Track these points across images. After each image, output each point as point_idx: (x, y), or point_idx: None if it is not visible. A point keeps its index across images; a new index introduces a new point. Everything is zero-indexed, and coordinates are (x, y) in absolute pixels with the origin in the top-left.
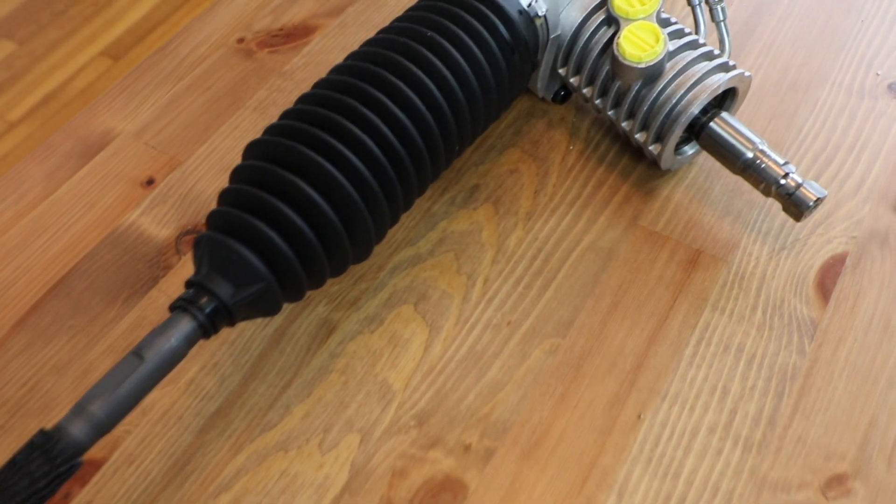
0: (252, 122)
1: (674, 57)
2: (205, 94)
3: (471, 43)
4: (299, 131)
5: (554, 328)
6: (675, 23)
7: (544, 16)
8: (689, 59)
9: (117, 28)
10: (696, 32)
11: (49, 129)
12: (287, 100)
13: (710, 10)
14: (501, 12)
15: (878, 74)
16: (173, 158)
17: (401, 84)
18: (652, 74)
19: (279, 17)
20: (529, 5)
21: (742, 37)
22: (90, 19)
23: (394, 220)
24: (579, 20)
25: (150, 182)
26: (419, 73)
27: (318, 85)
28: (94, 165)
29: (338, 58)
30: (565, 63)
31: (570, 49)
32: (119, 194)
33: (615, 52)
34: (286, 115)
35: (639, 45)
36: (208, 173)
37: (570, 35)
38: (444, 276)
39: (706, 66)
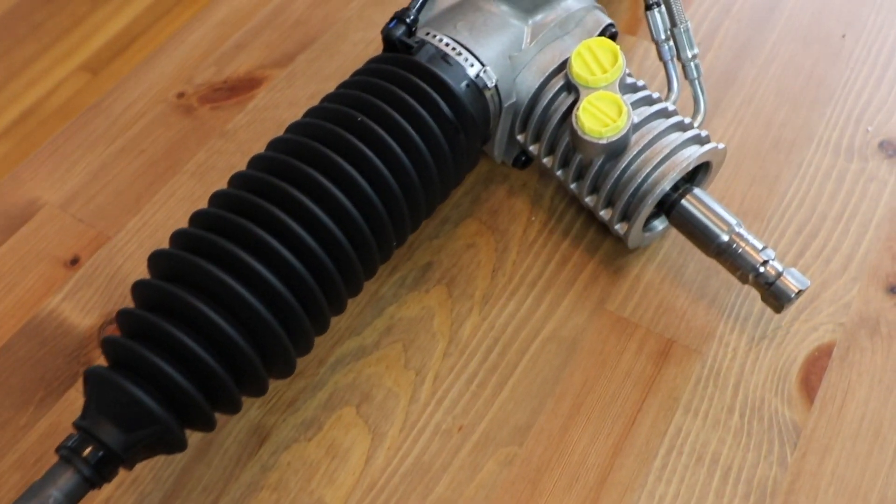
0: (189, 190)
1: (640, 128)
2: (139, 158)
3: (408, 128)
4: (205, 242)
5: (510, 434)
6: (643, 87)
7: (495, 85)
8: (658, 130)
9: (96, 40)
10: (668, 91)
11: (25, 148)
12: (228, 163)
13: (683, 68)
14: (445, 89)
15: (868, 130)
16: (101, 234)
17: (324, 181)
18: (615, 150)
19: (223, 67)
20: (478, 76)
21: (721, 86)
22: (69, 31)
23: (319, 328)
24: (536, 85)
25: (74, 261)
26: (347, 167)
27: (234, 181)
28: (15, 242)
29: (284, 114)
30: (523, 129)
31: (528, 116)
32: (41, 276)
33: (574, 125)
34: (194, 218)
35: (599, 118)
36: (138, 251)
37: (526, 101)
38: (390, 371)
39: (677, 138)
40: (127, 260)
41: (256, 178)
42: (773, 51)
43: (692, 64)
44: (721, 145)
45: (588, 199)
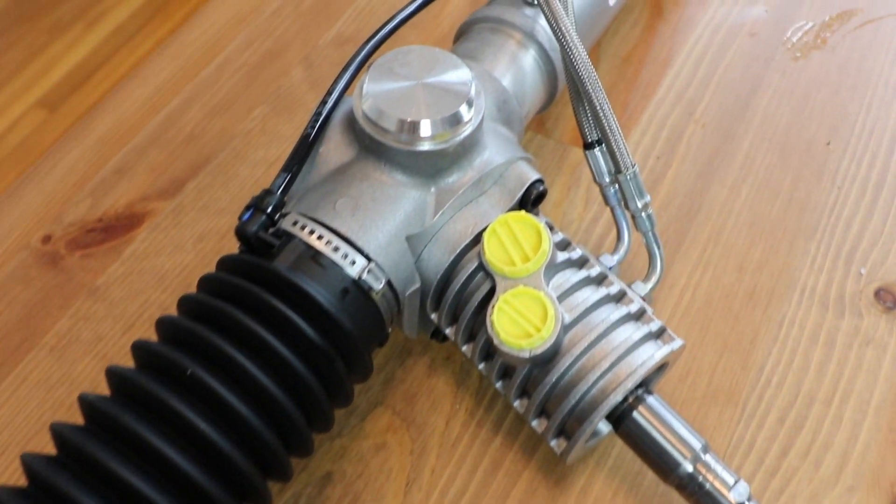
0: (44, 372)
1: (581, 320)
2: None
3: (257, 375)
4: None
5: None
6: (580, 260)
7: (386, 282)
8: (605, 324)
9: (53, 75)
10: (618, 241)
11: None
12: (95, 333)
13: (634, 219)
14: (312, 306)
15: (861, 273)
16: None
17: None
18: (542, 359)
19: (99, 200)
20: (361, 277)
21: (684, 216)
22: (24, 66)
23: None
24: (446, 264)
25: None
26: (158, 445)
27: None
28: None
29: (166, 263)
30: (436, 308)
31: (440, 295)
32: None
33: (489, 329)
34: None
35: (519, 324)
36: None
37: (436, 281)
38: None
39: (629, 335)
40: None
41: (59, 431)
42: (745, 165)
43: (643, 215)
44: (681, 341)
45: (516, 404)
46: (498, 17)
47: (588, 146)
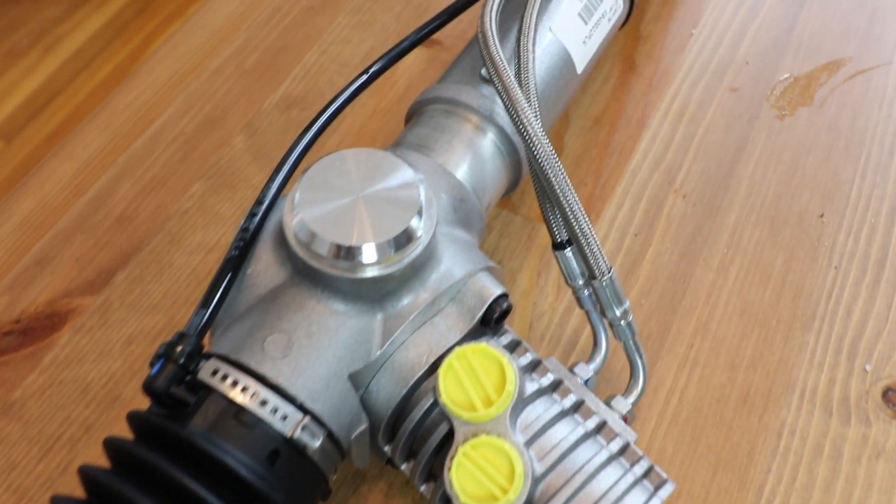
0: None
1: (553, 470)
2: None
3: None
4: None
5: None
6: (552, 385)
7: (326, 434)
8: (582, 476)
9: (9, 103)
10: (594, 347)
11: None
12: (8, 460)
13: (612, 328)
14: (231, 479)
15: (866, 370)
16: None
17: None
18: None
19: (18, 296)
20: (294, 435)
21: (667, 306)
22: None
23: None
24: (398, 398)
25: None
26: None
27: None
28: None
29: (90, 372)
30: (389, 441)
31: (394, 429)
32: None
33: (447, 487)
34: None
35: (482, 483)
36: None
37: (388, 415)
38: None
39: (611, 483)
40: None
41: None
42: (732, 242)
43: (622, 323)
44: (672, 486)
45: None
46: (452, 99)
47: (557, 246)
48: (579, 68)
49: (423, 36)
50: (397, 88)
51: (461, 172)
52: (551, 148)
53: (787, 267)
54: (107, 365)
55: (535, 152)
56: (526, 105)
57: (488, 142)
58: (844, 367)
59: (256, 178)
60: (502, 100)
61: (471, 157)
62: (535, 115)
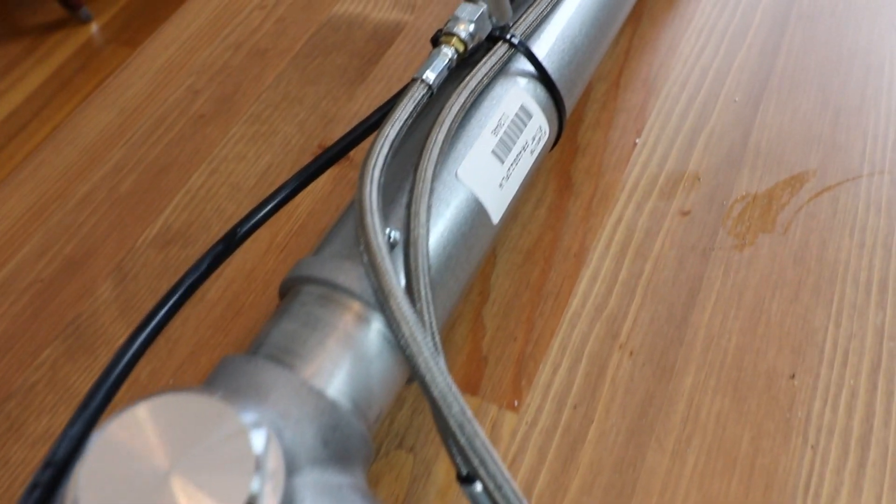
0: None
1: None
2: None
3: None
4: None
5: None
6: None
7: None
8: None
9: None
10: None
11: None
12: None
13: None
14: None
15: None
16: None
17: None
18: None
19: None
20: None
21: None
22: None
23: None
24: None
25: None
26: None
27: None
28: None
29: None
30: None
31: None
32: None
33: None
34: None
35: None
36: None
37: None
38: None
39: None
40: None
41: None
42: (690, 416)
43: None
44: None
45: None
46: (327, 280)
47: (463, 480)
48: (495, 218)
49: (333, 157)
50: (297, 217)
51: (336, 385)
52: (446, 376)
53: (756, 447)
54: None
55: (420, 373)
56: (415, 324)
57: (374, 334)
58: None
59: (123, 338)
60: (378, 301)
61: (350, 359)
62: (428, 334)
